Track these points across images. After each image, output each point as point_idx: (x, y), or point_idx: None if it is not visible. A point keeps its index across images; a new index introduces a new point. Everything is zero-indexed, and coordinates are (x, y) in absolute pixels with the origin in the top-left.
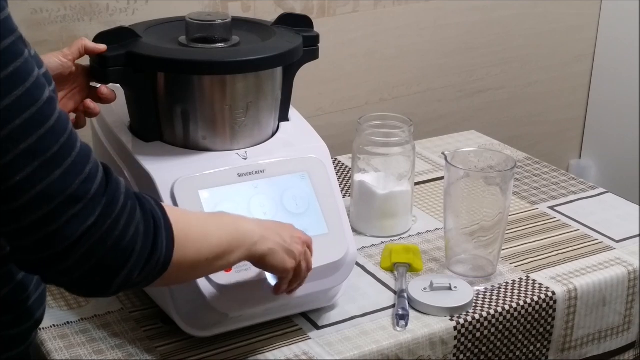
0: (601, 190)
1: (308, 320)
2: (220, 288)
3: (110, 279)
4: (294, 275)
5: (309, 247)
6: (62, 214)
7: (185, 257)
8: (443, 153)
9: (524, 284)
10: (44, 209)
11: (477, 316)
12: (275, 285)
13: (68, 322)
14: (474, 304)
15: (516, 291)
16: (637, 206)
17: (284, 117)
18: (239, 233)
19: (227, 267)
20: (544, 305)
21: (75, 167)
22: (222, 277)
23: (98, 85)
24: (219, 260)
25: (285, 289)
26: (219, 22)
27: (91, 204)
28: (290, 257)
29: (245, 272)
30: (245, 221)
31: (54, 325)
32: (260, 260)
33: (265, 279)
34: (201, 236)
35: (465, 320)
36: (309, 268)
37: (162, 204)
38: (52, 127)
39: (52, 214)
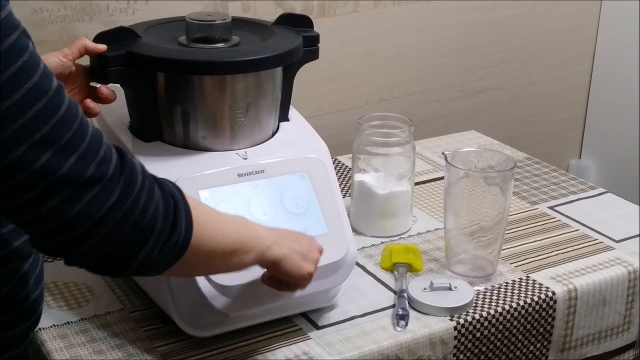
0: (601, 190)
1: (308, 320)
2: (220, 288)
3: (131, 257)
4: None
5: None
6: (82, 197)
7: (203, 243)
8: (443, 153)
9: (524, 284)
10: (63, 194)
11: (477, 316)
12: (285, 284)
13: (68, 322)
14: (474, 304)
15: (516, 291)
16: (637, 206)
17: (284, 117)
18: (254, 234)
19: (242, 268)
20: (544, 305)
21: (90, 151)
22: (222, 277)
23: (98, 85)
24: (234, 257)
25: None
26: (219, 22)
27: (110, 185)
28: (308, 262)
29: (245, 272)
30: (260, 226)
31: (54, 325)
32: (274, 265)
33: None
34: (219, 226)
35: (465, 320)
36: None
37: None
38: (64, 115)
39: (71, 198)
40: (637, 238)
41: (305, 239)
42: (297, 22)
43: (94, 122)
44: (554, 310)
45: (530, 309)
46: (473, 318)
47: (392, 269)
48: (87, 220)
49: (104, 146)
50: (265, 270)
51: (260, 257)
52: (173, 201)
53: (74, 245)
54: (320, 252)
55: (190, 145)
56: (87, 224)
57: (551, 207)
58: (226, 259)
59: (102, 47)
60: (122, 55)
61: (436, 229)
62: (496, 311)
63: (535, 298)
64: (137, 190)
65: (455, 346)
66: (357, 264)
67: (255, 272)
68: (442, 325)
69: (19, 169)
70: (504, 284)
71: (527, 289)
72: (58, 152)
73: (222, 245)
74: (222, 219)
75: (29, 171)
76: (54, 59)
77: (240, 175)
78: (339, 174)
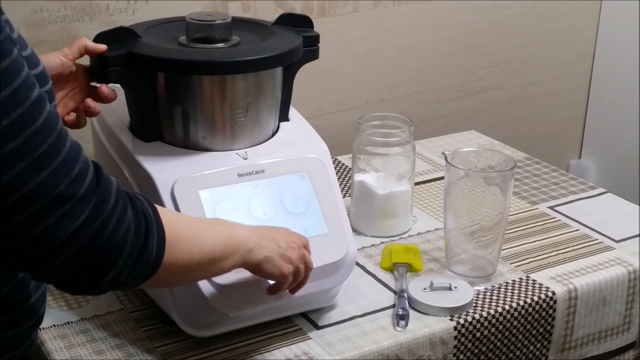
0: (601, 190)
1: (308, 320)
2: (220, 288)
3: (99, 277)
4: (292, 278)
5: (306, 247)
6: (51, 214)
7: (176, 259)
8: (443, 153)
9: (524, 284)
10: (31, 209)
11: (477, 316)
12: (272, 287)
13: (68, 322)
14: (474, 304)
15: (516, 291)
16: (637, 206)
17: (284, 117)
18: (233, 240)
19: (221, 273)
20: (544, 305)
21: (64, 167)
22: (222, 277)
23: (98, 85)
24: (212, 266)
25: (283, 290)
26: (219, 22)
27: (80, 204)
28: (286, 262)
29: (245, 272)
30: (240, 228)
31: (54, 325)
32: (256, 268)
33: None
34: (193, 239)
35: (465, 320)
36: (309, 268)
37: (155, 205)
38: (40, 127)
39: (40, 213)
40: (637, 238)
41: (282, 236)
42: (297, 22)
43: (93, 122)
44: (554, 310)
45: (530, 309)
46: (473, 318)
47: (392, 269)
48: (53, 239)
49: (80, 164)
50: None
51: (242, 260)
52: (145, 221)
53: (39, 262)
54: (303, 245)
55: (190, 145)
56: (54, 242)
57: (551, 207)
58: (204, 269)
59: (102, 47)
60: (122, 55)
61: (436, 229)
62: (496, 311)
63: (535, 298)
64: (108, 211)
65: (455, 346)
66: (357, 264)
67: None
68: (442, 325)
69: None
70: (504, 284)
71: (527, 289)
72: (30, 165)
73: (197, 257)
74: (198, 230)
75: None
76: (54, 59)
77: (240, 175)
78: (339, 174)
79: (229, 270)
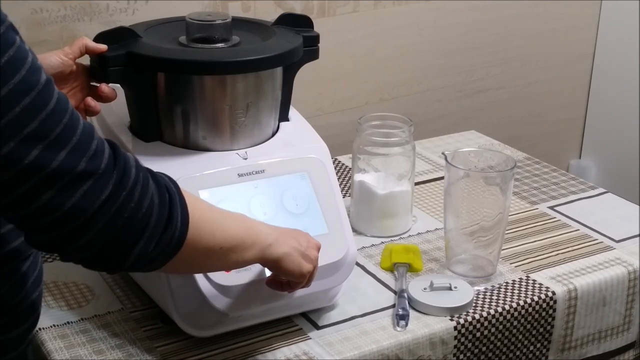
0: (601, 190)
1: (308, 320)
2: (220, 288)
3: (126, 251)
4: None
5: (318, 251)
6: (75, 192)
7: (200, 238)
8: (443, 153)
9: (524, 284)
10: (55, 189)
11: (477, 316)
12: (285, 283)
13: (68, 322)
14: (474, 304)
15: (516, 291)
16: (637, 206)
17: (284, 117)
18: (254, 231)
19: (241, 265)
20: (544, 305)
21: (81, 146)
22: (222, 277)
23: (98, 84)
24: (233, 253)
25: (295, 289)
26: (219, 22)
27: (103, 179)
28: (307, 261)
29: (245, 272)
30: (260, 224)
31: (54, 325)
32: (275, 264)
33: (266, 279)
34: (216, 222)
35: (465, 320)
36: (316, 269)
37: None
38: (53, 109)
39: (63, 192)
40: (637, 238)
41: (303, 236)
42: (297, 22)
43: (92, 121)
44: (554, 310)
45: (530, 309)
46: (473, 318)
47: (392, 269)
48: (80, 215)
49: (96, 140)
50: (269, 274)
51: (261, 255)
52: (168, 194)
53: (68, 240)
54: (318, 249)
55: (190, 145)
56: (81, 218)
57: (551, 207)
58: (225, 255)
59: (103, 47)
60: (122, 55)
61: (436, 229)
62: (496, 311)
63: (535, 298)
64: (131, 184)
65: (455, 346)
66: (357, 264)
67: (255, 272)
68: (442, 325)
69: (9, 164)
70: (504, 284)
71: (527, 289)
72: (48, 146)
73: (220, 241)
74: (220, 214)
75: (19, 166)
76: (54, 58)
77: (240, 175)
78: (339, 174)
79: (248, 263)
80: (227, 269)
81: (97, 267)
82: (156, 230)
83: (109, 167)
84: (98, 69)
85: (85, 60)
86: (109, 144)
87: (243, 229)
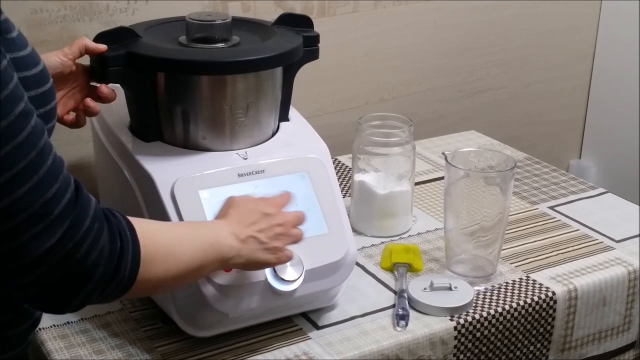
0: (601, 190)
1: (308, 320)
2: (220, 288)
3: (67, 299)
4: (287, 255)
5: (297, 220)
6: (23, 232)
7: (150, 277)
8: (443, 153)
9: (524, 284)
10: (5, 226)
11: (477, 316)
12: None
13: (68, 322)
14: (474, 304)
15: (516, 291)
16: (637, 206)
17: (284, 117)
18: (214, 249)
19: (201, 278)
20: (544, 305)
21: (42, 185)
22: (222, 277)
23: (98, 85)
24: (190, 276)
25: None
26: (219, 22)
27: (53, 225)
28: (272, 253)
29: (246, 272)
30: (222, 234)
31: (54, 325)
32: (242, 269)
33: (266, 279)
34: (171, 256)
35: (465, 320)
36: (301, 221)
37: (133, 220)
38: (22, 142)
39: (12, 231)
40: (637, 238)
41: (264, 225)
42: (297, 22)
43: (93, 122)
44: (554, 310)
45: (530, 309)
46: (473, 318)
47: (392, 269)
48: (23, 257)
49: (58, 183)
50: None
51: (224, 266)
52: (120, 242)
53: (10, 276)
54: (283, 224)
55: (190, 145)
56: (23, 260)
57: (551, 207)
58: (181, 279)
59: (103, 47)
60: (122, 55)
61: (436, 229)
62: (496, 311)
63: (535, 298)
64: (81, 235)
65: (455, 346)
66: (357, 264)
67: (255, 272)
68: (442, 325)
69: None
70: (504, 284)
71: (527, 289)
72: (8, 181)
73: (174, 272)
74: (178, 244)
75: None
76: (54, 58)
77: (240, 175)
78: (339, 174)
79: (209, 274)
80: (187, 284)
81: (38, 307)
82: (101, 280)
83: (64, 213)
84: (98, 69)
85: (85, 60)
86: (75, 185)
87: (201, 250)
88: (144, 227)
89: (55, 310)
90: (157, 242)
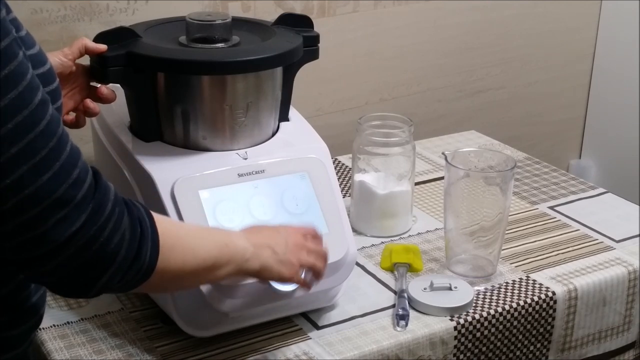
0: (601, 190)
1: (308, 320)
2: (220, 288)
3: (91, 283)
4: (310, 273)
5: (316, 237)
6: (48, 218)
7: (169, 267)
8: (443, 153)
9: (524, 284)
10: (30, 213)
11: (477, 316)
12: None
13: (68, 322)
14: (474, 304)
15: (516, 291)
16: (637, 206)
17: (284, 117)
18: (229, 249)
19: (216, 281)
20: (544, 305)
21: (64, 171)
22: None
23: (98, 85)
24: (206, 274)
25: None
26: (219, 22)
27: (77, 210)
28: (286, 266)
29: None
30: (238, 237)
31: (54, 325)
32: (254, 276)
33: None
34: (188, 248)
35: (465, 320)
36: (321, 259)
37: (153, 213)
38: (43, 130)
39: (38, 217)
40: (637, 238)
41: (281, 240)
42: (297, 22)
43: (93, 122)
44: (554, 310)
45: (530, 309)
46: (473, 318)
47: (392, 269)
48: (50, 242)
49: (78, 168)
50: None
51: (237, 270)
52: (140, 228)
53: (35, 264)
54: (304, 247)
55: (190, 145)
56: (50, 245)
57: (551, 207)
58: (197, 276)
59: (103, 47)
60: (122, 55)
61: (436, 229)
62: (496, 311)
63: (535, 298)
64: (104, 219)
65: (455, 346)
66: (357, 264)
67: None
68: (442, 325)
69: None
70: (504, 284)
71: (527, 289)
72: (32, 168)
73: (191, 266)
74: (194, 238)
75: (1, 185)
76: (54, 59)
77: (240, 175)
78: (339, 174)
79: (224, 278)
80: (202, 285)
81: (62, 292)
82: (123, 265)
83: (86, 197)
84: (98, 69)
85: (85, 60)
86: (93, 171)
87: (217, 248)
88: (162, 219)
89: (77, 294)
90: (176, 233)
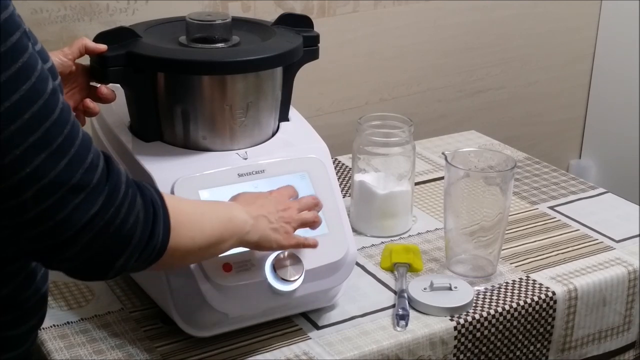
0: (601, 190)
1: (308, 320)
2: (220, 288)
3: (109, 264)
4: (298, 240)
5: (306, 206)
6: (67, 204)
7: (180, 244)
8: (443, 153)
9: (524, 284)
10: (50, 200)
11: (477, 316)
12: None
13: (68, 322)
14: (474, 304)
15: (516, 291)
16: (637, 206)
17: (284, 117)
18: (232, 224)
19: (219, 254)
20: (544, 305)
21: (79, 157)
22: (222, 277)
23: (98, 85)
24: (212, 248)
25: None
26: (219, 22)
27: (94, 193)
28: (281, 234)
29: (245, 272)
30: (238, 211)
31: (54, 325)
32: (254, 247)
33: (266, 279)
34: (196, 225)
35: (465, 320)
36: (313, 206)
37: (161, 191)
38: (57, 118)
39: (57, 204)
40: (637, 238)
41: (271, 207)
42: (297, 22)
43: (93, 122)
44: (554, 310)
45: (530, 309)
46: (473, 318)
47: (392, 269)
48: (69, 228)
49: (92, 153)
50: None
51: (238, 242)
52: (153, 209)
53: (55, 251)
54: (292, 214)
55: (190, 145)
56: (69, 231)
57: (551, 207)
58: (204, 252)
59: (103, 47)
60: (122, 55)
61: (436, 229)
62: (496, 311)
63: (535, 298)
64: (120, 200)
65: (455, 346)
66: (357, 264)
67: (256, 272)
68: (442, 325)
69: (12, 172)
70: (504, 284)
71: (527, 289)
72: (49, 156)
73: (199, 242)
74: (200, 215)
75: (20, 175)
76: (54, 58)
77: (240, 175)
78: (339, 174)
79: (227, 250)
80: (205, 259)
81: (80, 276)
82: (139, 245)
83: (101, 181)
84: (98, 69)
85: (85, 60)
86: (104, 156)
87: (222, 223)
88: (170, 197)
89: (97, 277)
90: (183, 211)
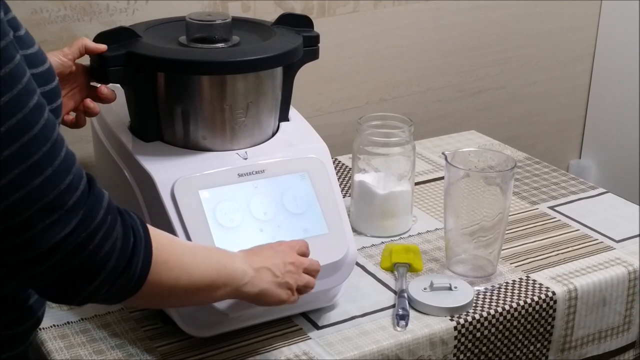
0: (601, 190)
1: (308, 320)
2: None
3: (78, 290)
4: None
5: (313, 270)
6: (38, 223)
7: (161, 282)
8: (443, 153)
9: (524, 284)
10: (20, 216)
11: (477, 316)
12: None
13: (68, 322)
14: (474, 304)
15: (516, 291)
16: (637, 206)
17: (284, 117)
18: (227, 271)
19: (212, 302)
20: (544, 305)
21: (56, 177)
22: None
23: (98, 85)
24: (201, 293)
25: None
26: (219, 22)
27: (67, 215)
28: (284, 289)
29: None
30: (238, 259)
31: (54, 325)
32: (253, 301)
33: None
34: (183, 265)
35: (465, 320)
36: (316, 272)
37: (149, 226)
38: (36, 135)
39: (27, 221)
40: (637, 238)
41: (278, 260)
42: (297, 22)
43: (93, 122)
44: (554, 310)
45: (530, 309)
46: (473, 318)
47: (392, 269)
48: (38, 247)
49: (72, 174)
50: None
51: (235, 293)
52: (133, 239)
53: (23, 267)
54: (301, 265)
55: (190, 145)
56: (38, 250)
57: (551, 207)
58: (191, 295)
59: (103, 47)
60: (122, 55)
61: (436, 229)
62: (496, 311)
63: (535, 298)
64: (96, 225)
65: (455, 346)
66: (357, 264)
67: None
68: (442, 325)
69: None
70: (504, 284)
71: (527, 289)
72: (23, 172)
73: (185, 284)
74: (191, 256)
75: None
76: (54, 59)
77: (240, 175)
78: (339, 174)
79: (220, 299)
80: (196, 305)
81: (48, 297)
82: (112, 273)
83: (78, 204)
84: (98, 69)
85: (85, 60)
86: (88, 178)
87: (215, 269)
88: (159, 234)
89: (63, 300)
90: (172, 249)
